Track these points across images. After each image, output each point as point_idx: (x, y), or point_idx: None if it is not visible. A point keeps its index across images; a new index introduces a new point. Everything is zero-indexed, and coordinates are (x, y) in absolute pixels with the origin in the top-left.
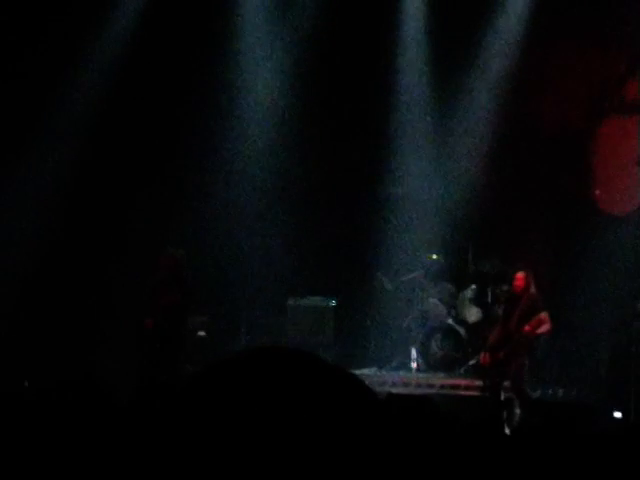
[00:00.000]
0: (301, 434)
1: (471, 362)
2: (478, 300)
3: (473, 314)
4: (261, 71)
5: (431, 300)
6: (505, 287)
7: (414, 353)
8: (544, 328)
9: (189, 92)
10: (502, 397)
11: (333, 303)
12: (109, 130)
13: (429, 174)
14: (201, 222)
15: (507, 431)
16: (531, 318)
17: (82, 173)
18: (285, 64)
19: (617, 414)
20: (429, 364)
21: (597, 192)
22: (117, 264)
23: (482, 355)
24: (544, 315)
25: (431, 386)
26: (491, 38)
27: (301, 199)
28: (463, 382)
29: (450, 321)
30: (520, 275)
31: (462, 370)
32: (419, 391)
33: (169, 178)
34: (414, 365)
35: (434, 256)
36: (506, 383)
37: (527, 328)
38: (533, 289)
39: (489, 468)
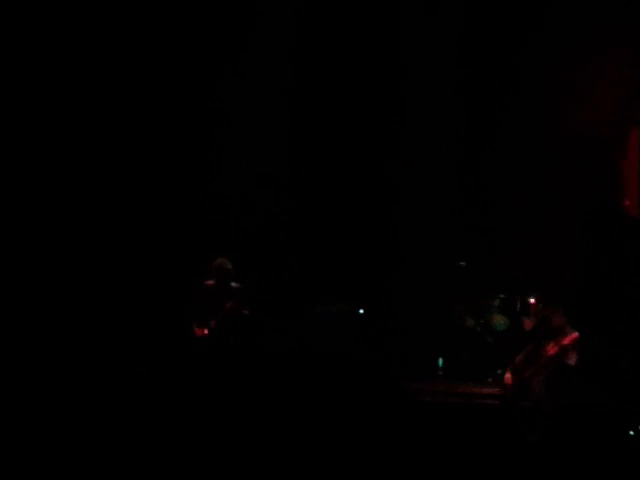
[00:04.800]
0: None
1: (499, 371)
2: (506, 309)
3: (501, 323)
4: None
5: (459, 308)
6: (533, 297)
7: (441, 361)
8: (571, 359)
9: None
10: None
11: (360, 311)
12: None
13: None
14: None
15: (533, 439)
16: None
17: None
18: None
19: None
20: (456, 373)
21: (627, 202)
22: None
23: (506, 376)
24: (570, 340)
25: (458, 395)
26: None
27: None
28: (490, 391)
29: (478, 330)
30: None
31: (489, 379)
32: (446, 400)
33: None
34: (441, 373)
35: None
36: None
37: (551, 352)
38: (558, 318)
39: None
